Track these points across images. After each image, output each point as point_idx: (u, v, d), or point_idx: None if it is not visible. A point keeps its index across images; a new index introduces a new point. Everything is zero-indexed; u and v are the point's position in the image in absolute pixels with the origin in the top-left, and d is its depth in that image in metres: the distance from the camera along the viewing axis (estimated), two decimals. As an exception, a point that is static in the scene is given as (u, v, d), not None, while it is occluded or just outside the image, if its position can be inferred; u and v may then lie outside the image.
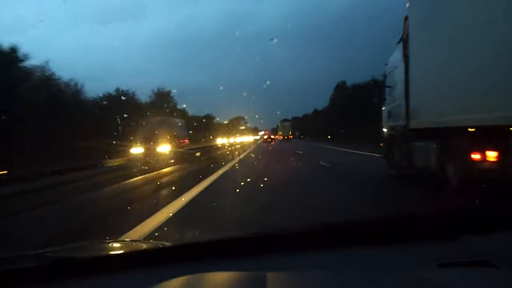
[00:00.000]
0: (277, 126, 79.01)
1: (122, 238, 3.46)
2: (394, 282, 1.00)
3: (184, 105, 54.53)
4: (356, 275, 1.07)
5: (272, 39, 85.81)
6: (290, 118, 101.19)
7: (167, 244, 1.38)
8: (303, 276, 1.09)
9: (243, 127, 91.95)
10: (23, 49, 20.77)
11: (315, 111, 77.68)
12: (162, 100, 49.24)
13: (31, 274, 1.14)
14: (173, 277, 1.05)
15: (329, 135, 43.17)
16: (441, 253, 1.17)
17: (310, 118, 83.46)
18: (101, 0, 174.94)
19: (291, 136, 69.19)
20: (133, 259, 1.23)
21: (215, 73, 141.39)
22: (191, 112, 59.75)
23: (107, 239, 2.06)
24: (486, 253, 1.12)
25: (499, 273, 1.03)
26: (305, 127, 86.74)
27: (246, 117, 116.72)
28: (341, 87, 65.39)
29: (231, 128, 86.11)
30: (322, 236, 1.31)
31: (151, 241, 1.85)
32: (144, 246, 1.46)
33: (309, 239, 1.28)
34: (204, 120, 63.74)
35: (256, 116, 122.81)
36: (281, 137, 67.78)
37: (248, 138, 63.14)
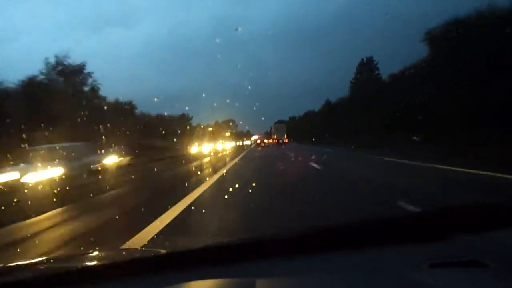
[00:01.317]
0: (271, 128, 69.97)
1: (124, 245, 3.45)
2: (386, 283, 1.01)
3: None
4: (347, 278, 1.08)
5: (236, 29, 79.01)
6: (287, 120, 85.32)
7: (159, 252, 1.37)
8: (293, 281, 1.10)
9: (228, 133, 77.74)
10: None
11: (327, 103, 55.69)
12: (68, 78, 27.22)
13: (29, 284, 1.14)
14: (165, 285, 1.06)
15: (416, 136, 19.66)
16: (432, 254, 1.17)
17: (317, 116, 61.66)
18: (91, 7, 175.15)
19: (286, 140, 59.80)
20: (125, 268, 1.21)
21: (206, 77, 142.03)
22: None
23: (102, 248, 2.22)
24: (477, 253, 1.12)
25: (490, 272, 1.03)
26: (306, 127, 65.94)
27: (232, 122, 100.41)
28: (366, 65, 44.00)
29: (216, 132, 67.67)
30: (313, 240, 1.30)
31: (143, 249, 1.86)
32: (136, 255, 1.46)
33: (300, 243, 1.28)
34: (188, 127, 44.50)
35: (241, 122, 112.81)
36: (275, 141, 58.68)
37: (221, 145, 41.77)
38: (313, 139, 47.78)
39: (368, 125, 33.58)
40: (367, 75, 43.05)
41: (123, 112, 32.80)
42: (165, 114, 49.03)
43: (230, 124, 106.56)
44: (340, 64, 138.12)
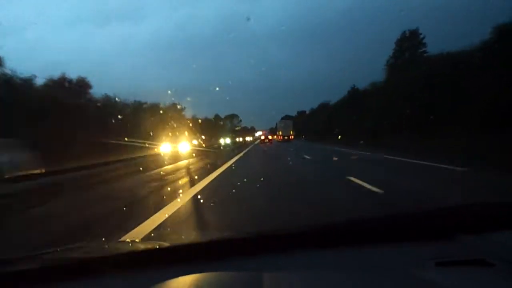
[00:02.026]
0: (276, 124, 64.31)
1: (122, 238, 3.39)
2: (392, 281, 1.00)
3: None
4: (353, 275, 1.07)
5: (248, 18, 71.83)
6: (295, 116, 78.13)
7: (165, 244, 1.34)
8: (299, 276, 1.09)
9: (238, 128, 72.71)
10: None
11: (353, 90, 43.58)
12: None
13: (31, 275, 1.13)
14: (171, 277, 1.06)
15: None
16: (438, 252, 1.16)
17: (334, 108, 50.50)
18: (98, 2, 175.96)
19: (292, 137, 56.14)
20: (131, 260, 1.21)
21: (213, 73, 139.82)
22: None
23: (105, 240, 2.29)
24: (483, 252, 1.11)
25: (496, 272, 1.02)
26: (318, 123, 55.65)
27: (236, 117, 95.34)
28: (409, 40, 32.98)
29: (212, 127, 58.86)
30: (319, 236, 1.29)
31: (149, 241, 1.80)
32: (142, 246, 1.44)
33: (307, 239, 1.27)
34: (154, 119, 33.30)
35: (245, 117, 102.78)
36: (281, 137, 55.28)
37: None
38: (339, 136, 36.00)
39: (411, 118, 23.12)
40: (409, 53, 32.11)
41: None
42: (143, 101, 38.39)
43: (239, 118, 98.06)
44: (351, 59, 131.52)
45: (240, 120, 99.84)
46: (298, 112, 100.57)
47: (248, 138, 76.49)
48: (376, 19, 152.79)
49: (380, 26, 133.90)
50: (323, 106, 62.91)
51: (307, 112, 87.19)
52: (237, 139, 69.51)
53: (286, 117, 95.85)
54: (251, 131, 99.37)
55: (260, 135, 64.30)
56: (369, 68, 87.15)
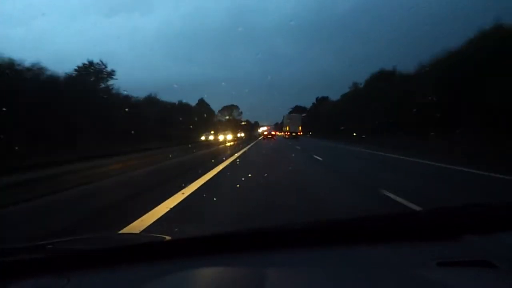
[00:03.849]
0: (283, 119, 57.93)
1: (123, 230, 3.49)
2: (394, 280, 1.00)
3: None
4: (356, 273, 1.06)
5: None
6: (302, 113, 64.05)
7: (167, 237, 1.32)
8: (302, 272, 1.09)
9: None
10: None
11: (447, 57, 18.41)
12: None
13: (30, 266, 1.13)
14: (173, 271, 1.06)
15: None
16: (441, 253, 1.15)
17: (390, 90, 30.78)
18: None
19: (301, 133, 47.39)
20: (132, 253, 1.20)
21: (220, 66, 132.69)
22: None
23: (105, 232, 2.32)
24: (486, 253, 1.10)
25: (499, 273, 1.02)
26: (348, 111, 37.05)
27: (235, 109, 78.57)
28: None
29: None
30: (322, 233, 1.30)
31: (150, 234, 1.79)
32: (143, 239, 1.43)
33: (310, 236, 1.28)
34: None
35: (245, 111, 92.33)
36: (288, 134, 47.25)
37: None
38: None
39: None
40: None
41: None
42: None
43: (234, 110, 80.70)
44: (360, 54, 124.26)
45: (241, 112, 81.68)
46: (317, 99, 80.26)
47: (230, 136, 45.81)
48: (386, 14, 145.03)
49: (390, 20, 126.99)
50: (362, 84, 38.59)
51: (331, 100, 64.41)
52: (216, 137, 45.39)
53: (296, 109, 77.61)
54: (255, 126, 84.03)
55: (264, 131, 58.55)
56: (376, 64, 73.97)
